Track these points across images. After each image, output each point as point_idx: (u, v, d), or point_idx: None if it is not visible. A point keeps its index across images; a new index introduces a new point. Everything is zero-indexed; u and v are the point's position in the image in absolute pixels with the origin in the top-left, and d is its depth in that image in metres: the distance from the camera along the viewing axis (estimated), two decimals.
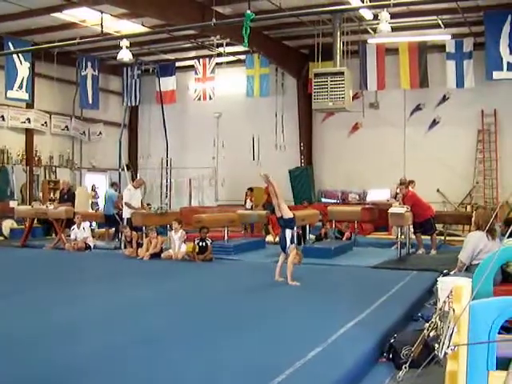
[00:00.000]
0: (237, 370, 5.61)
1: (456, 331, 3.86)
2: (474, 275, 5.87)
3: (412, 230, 15.21)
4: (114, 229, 19.07)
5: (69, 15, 19.49)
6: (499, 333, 4.13)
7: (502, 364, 3.99)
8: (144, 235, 15.58)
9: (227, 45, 21.62)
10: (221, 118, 26.41)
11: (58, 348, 6.36)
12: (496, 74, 18.91)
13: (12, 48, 21.04)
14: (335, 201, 24.11)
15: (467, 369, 4.02)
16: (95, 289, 10.30)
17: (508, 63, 18.63)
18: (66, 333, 7.04)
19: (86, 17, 19.63)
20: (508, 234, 7.29)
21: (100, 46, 23.19)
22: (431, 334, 4.77)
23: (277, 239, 17.42)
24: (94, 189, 24.55)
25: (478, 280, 5.07)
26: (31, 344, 6.51)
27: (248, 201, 21.58)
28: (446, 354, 3.71)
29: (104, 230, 19.65)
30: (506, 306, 4.07)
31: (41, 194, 23.59)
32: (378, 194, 22.56)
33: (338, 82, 16.93)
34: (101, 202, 22.62)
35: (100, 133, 26.87)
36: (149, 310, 8.40)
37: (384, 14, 16.04)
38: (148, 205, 20.06)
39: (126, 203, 16.81)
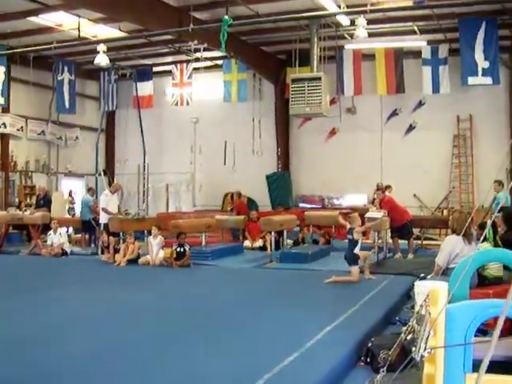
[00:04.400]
0: (214, 376, 5.59)
1: (432, 334, 3.89)
2: (450, 279, 5.91)
3: (389, 234, 15.28)
4: (88, 235, 19.00)
5: (45, 19, 19.41)
6: (475, 335, 4.16)
7: (479, 366, 4.02)
8: (121, 241, 15.51)
9: (204, 50, 21.59)
10: (198, 124, 26.40)
11: (30, 354, 6.32)
12: (471, 80, 19.08)
13: None
14: (313, 206, 24.17)
15: (444, 371, 4.05)
16: (71, 295, 10.23)
17: (483, 69, 18.81)
18: (39, 339, 6.99)
19: (62, 21, 19.54)
20: (482, 238, 7.40)
21: (77, 51, 23.08)
22: (408, 338, 4.80)
23: (255, 244, 17.51)
24: (70, 194, 24.39)
25: (454, 284, 5.11)
26: (2, 349, 6.48)
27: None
28: (422, 356, 3.73)
29: (80, 235, 19.53)
30: (481, 309, 4.11)
31: (17, 200, 23.40)
32: (355, 199, 22.67)
33: (315, 88, 16.96)
34: (77, 208, 22.48)
35: (77, 138, 26.76)
36: (125, 316, 8.35)
37: (361, 20, 16.17)
38: (125, 210, 19.98)
39: (102, 208, 16.73)
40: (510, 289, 2.72)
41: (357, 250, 11.23)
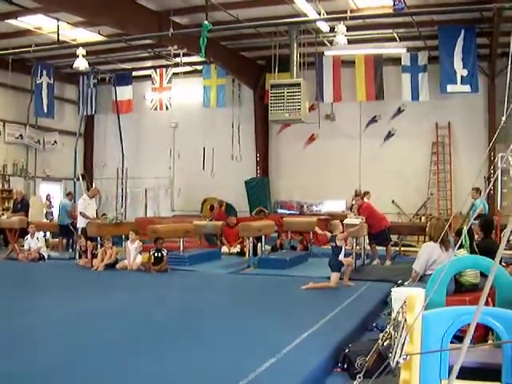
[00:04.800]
0: (189, 382, 5.57)
1: (408, 340, 3.89)
2: (427, 285, 5.92)
3: (367, 240, 15.32)
4: (66, 239, 18.88)
5: (24, 22, 19.20)
6: (452, 342, 4.17)
7: None
8: (99, 245, 15.42)
9: (184, 55, 21.57)
10: (177, 128, 26.29)
11: (5, 358, 6.25)
12: (450, 88, 19.24)
13: None
14: (291, 212, 24.19)
15: (420, 377, 4.06)
16: (47, 300, 10.14)
17: (462, 77, 18.98)
18: (15, 344, 6.91)
19: (41, 24, 19.40)
20: (458, 244, 7.42)
21: (56, 54, 22.93)
22: (385, 344, 4.80)
23: (233, 250, 17.47)
24: (48, 198, 24.21)
25: (430, 290, 5.12)
26: None
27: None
28: (398, 363, 3.73)
29: (58, 240, 19.40)
30: (457, 315, 4.12)
31: None
32: (333, 205, 22.71)
33: (294, 94, 17.01)
34: (55, 212, 22.33)
35: (55, 142, 26.55)
36: (100, 322, 8.29)
37: (340, 27, 16.20)
38: (103, 215, 19.88)
39: (80, 213, 16.63)
40: (481, 296, 2.72)
41: (341, 257, 11.26)
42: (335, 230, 11.49)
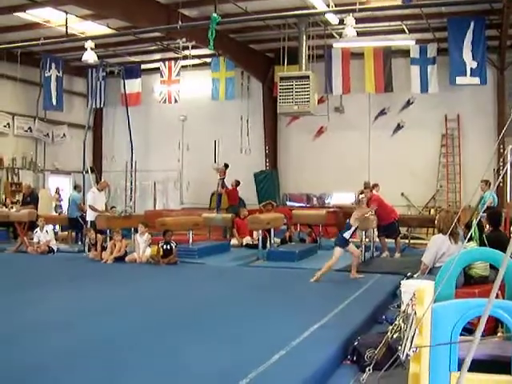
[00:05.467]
0: (200, 373, 5.58)
1: (418, 333, 3.89)
2: (437, 278, 5.91)
3: (376, 233, 15.29)
4: (75, 232, 18.93)
5: (33, 15, 19.21)
6: (461, 334, 4.17)
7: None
8: (108, 238, 15.47)
9: (193, 48, 21.55)
10: (186, 121, 26.32)
11: (17, 349, 6.29)
12: (459, 80, 19.15)
13: None
14: (300, 204, 24.18)
15: (429, 370, 4.06)
16: (57, 292, 10.20)
17: (471, 69, 18.89)
18: (26, 335, 6.96)
19: (50, 17, 19.40)
20: (468, 237, 7.41)
21: (64, 47, 22.95)
22: (395, 337, 4.80)
23: (243, 241, 17.47)
24: (57, 191, 24.26)
25: (440, 283, 5.12)
26: None
27: None
28: (408, 355, 3.73)
29: (67, 232, 19.46)
30: (467, 308, 4.11)
31: (3, 197, 23.26)
32: (342, 198, 22.67)
33: (303, 86, 16.99)
34: (64, 205, 22.38)
35: (64, 135, 26.58)
36: (111, 314, 8.33)
37: (349, 19, 16.18)
38: (112, 208, 19.92)
39: (89, 206, 16.67)
40: (492, 288, 2.72)
41: (347, 235, 11.28)
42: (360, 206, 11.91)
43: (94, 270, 13.68)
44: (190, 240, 16.12)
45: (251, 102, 25.28)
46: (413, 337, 3.82)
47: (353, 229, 11.40)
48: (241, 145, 25.34)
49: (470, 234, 7.52)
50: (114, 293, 10.17)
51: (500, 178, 17.35)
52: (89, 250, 15.79)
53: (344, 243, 11.28)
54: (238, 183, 21.09)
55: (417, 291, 4.36)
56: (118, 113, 27.04)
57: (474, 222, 8.35)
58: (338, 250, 11.25)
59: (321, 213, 18.06)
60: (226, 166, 21.56)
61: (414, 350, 3.76)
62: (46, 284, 11.22)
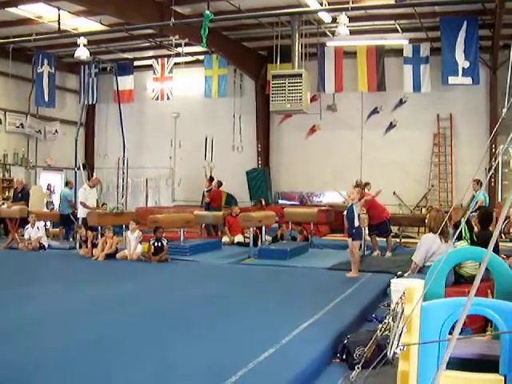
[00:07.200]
0: (189, 370, 5.59)
1: (405, 331, 3.90)
2: (426, 277, 5.93)
3: (367, 231, 15.31)
4: (65, 228, 18.87)
5: (25, 10, 19.14)
6: (450, 333, 4.18)
7: (453, 364, 4.04)
8: (99, 235, 15.44)
9: (186, 45, 21.54)
10: (178, 118, 26.31)
11: (6, 348, 6.28)
12: (452, 79, 19.20)
13: None
14: (292, 202, 24.19)
15: (418, 368, 4.06)
16: (47, 289, 10.16)
17: (463, 68, 18.94)
18: (17, 333, 6.94)
19: (42, 13, 19.31)
20: (457, 236, 7.42)
21: (57, 43, 22.87)
22: (384, 335, 4.81)
23: (235, 239, 17.46)
24: (49, 188, 24.21)
25: (428, 281, 5.13)
26: None
27: None
28: (395, 353, 3.74)
29: (58, 229, 19.41)
30: (456, 306, 4.12)
31: None
32: (334, 196, 22.68)
33: (295, 84, 16.98)
34: (56, 202, 22.33)
35: (56, 131, 26.52)
36: (102, 311, 8.31)
37: (342, 18, 16.19)
38: (103, 204, 19.89)
39: (81, 202, 16.65)
40: (472, 287, 2.72)
41: (357, 223, 11.49)
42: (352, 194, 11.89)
43: (85, 267, 13.63)
44: (182, 237, 16.11)
45: (244, 100, 25.28)
46: (400, 335, 3.82)
47: (355, 209, 11.50)
48: (233, 142, 25.35)
49: (458, 233, 7.54)
50: (104, 290, 10.12)
51: (488, 176, 17.43)
52: (80, 247, 15.75)
53: (361, 235, 11.57)
54: (220, 184, 21.09)
55: (406, 290, 4.37)
56: (110, 109, 26.97)
57: (463, 221, 8.39)
58: (358, 244, 11.82)
59: (312, 211, 18.10)
60: (211, 178, 21.38)
61: (402, 348, 3.77)
62: (36, 281, 11.17)
